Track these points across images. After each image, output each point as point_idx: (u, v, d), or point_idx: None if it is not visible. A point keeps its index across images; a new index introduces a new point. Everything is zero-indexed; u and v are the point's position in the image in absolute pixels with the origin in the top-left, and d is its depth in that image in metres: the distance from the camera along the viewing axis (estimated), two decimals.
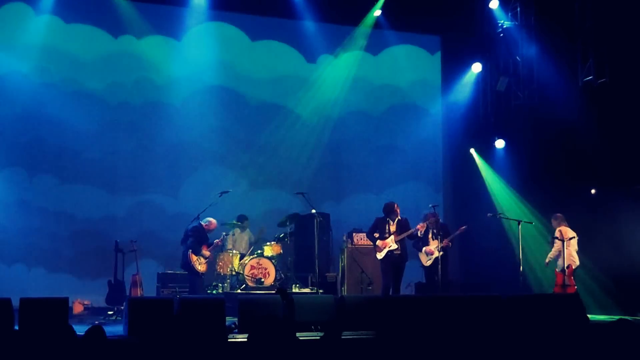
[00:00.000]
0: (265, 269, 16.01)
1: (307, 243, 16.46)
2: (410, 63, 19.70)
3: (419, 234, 14.84)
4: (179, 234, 15.21)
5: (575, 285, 15.06)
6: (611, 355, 9.88)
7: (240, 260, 16.18)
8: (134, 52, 17.58)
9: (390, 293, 14.20)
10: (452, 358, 9.38)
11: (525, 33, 18.15)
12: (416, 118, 19.61)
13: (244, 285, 15.85)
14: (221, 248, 16.23)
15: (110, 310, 14.79)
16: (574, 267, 15.17)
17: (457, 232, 15.88)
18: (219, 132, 18.01)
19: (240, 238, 16.82)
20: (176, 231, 15.41)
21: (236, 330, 11.44)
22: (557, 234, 15.44)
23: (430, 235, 15.39)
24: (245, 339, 7.83)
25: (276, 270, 16.06)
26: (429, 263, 15.39)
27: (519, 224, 15.33)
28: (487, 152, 18.89)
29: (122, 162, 17.25)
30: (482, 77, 19.15)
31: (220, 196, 15.79)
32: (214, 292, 15.74)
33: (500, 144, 18.62)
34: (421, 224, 14.93)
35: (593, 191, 16.82)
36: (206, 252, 15.10)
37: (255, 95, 18.58)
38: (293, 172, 18.44)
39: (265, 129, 18.53)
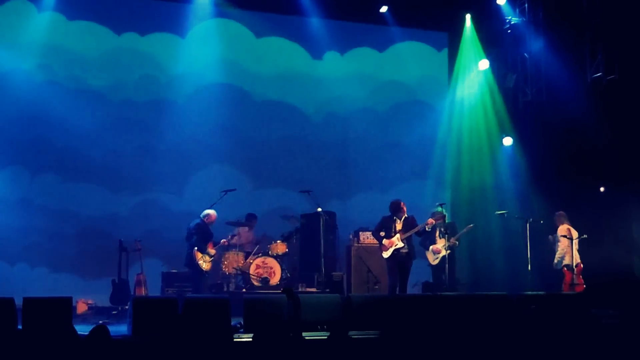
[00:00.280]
0: (271, 268, 16.00)
1: (313, 242, 16.46)
2: (416, 59, 19.67)
3: (427, 229, 14.79)
4: (183, 233, 15.20)
5: (584, 284, 15.05)
6: (620, 355, 9.88)
7: (245, 259, 16.18)
8: (138, 49, 17.60)
9: (397, 292, 14.19)
10: (460, 358, 9.37)
11: (533, 29, 18.11)
12: (423, 115, 19.57)
13: (249, 285, 15.85)
14: (226, 247, 16.22)
15: (115, 310, 14.80)
16: (567, 266, 15.18)
17: (465, 230, 15.87)
18: (223, 130, 18.00)
19: (246, 237, 16.81)
20: (181, 230, 15.40)
21: (241, 330, 11.43)
22: (564, 232, 15.42)
23: (437, 234, 15.39)
24: (251, 339, 7.85)
25: (282, 269, 16.05)
26: (436, 262, 15.39)
27: (526, 222, 15.32)
28: (495, 149, 18.86)
29: (126, 160, 17.24)
30: (490, 73, 19.11)
31: (224, 194, 15.79)
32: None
33: (507, 141, 18.60)
34: (430, 219, 14.87)
35: (602, 189, 16.80)
36: (212, 250, 15.09)
37: (260, 92, 18.57)
38: (298, 170, 18.41)
39: (270, 127, 18.54)
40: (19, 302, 10.82)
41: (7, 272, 15.97)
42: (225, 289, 15.88)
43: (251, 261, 16.00)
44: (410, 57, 19.60)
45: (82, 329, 8.24)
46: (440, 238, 15.31)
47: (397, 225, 14.41)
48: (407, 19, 18.86)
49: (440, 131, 19.73)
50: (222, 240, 15.51)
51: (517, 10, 18.24)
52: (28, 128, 16.62)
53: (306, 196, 16.46)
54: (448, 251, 15.06)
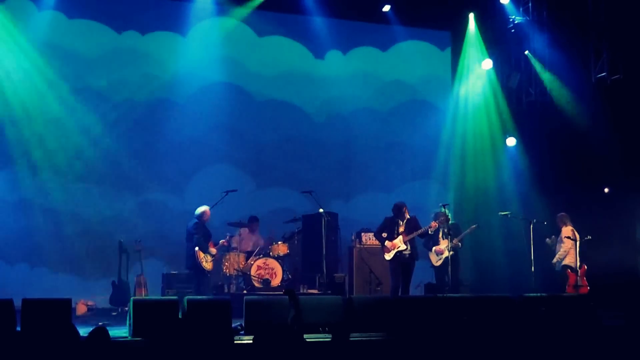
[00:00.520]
0: (272, 269, 16.00)
1: (314, 243, 16.46)
2: (420, 59, 19.65)
3: (430, 232, 14.78)
4: (184, 234, 15.17)
5: (588, 286, 15.04)
6: (624, 356, 9.87)
7: (246, 260, 16.17)
8: (139, 48, 17.58)
9: (400, 294, 14.18)
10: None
11: (537, 28, 18.09)
12: (426, 115, 19.55)
13: (250, 286, 15.84)
14: (227, 248, 16.22)
15: (114, 312, 14.80)
16: (571, 268, 15.18)
17: (468, 230, 15.84)
18: (225, 130, 17.99)
19: (248, 239, 16.79)
20: (181, 231, 15.36)
21: (242, 332, 11.42)
22: (569, 233, 15.40)
23: (440, 235, 15.35)
24: (251, 341, 7.83)
25: (283, 271, 16.05)
26: (439, 263, 15.36)
27: (530, 223, 15.30)
28: (499, 150, 18.85)
29: (126, 160, 17.22)
30: (493, 73, 19.11)
31: (226, 195, 15.79)
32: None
33: (511, 141, 18.59)
34: (434, 222, 14.86)
35: (606, 190, 16.78)
36: (213, 250, 15.07)
37: (261, 92, 18.56)
38: (300, 170, 18.41)
39: (272, 127, 18.53)
40: (18, 303, 10.81)
41: (6, 273, 15.94)
42: (226, 291, 15.87)
43: (252, 262, 16.00)
44: (413, 56, 19.59)
45: (82, 331, 8.21)
46: (443, 239, 15.27)
47: (399, 227, 14.40)
48: (410, 18, 18.84)
49: (444, 131, 19.71)
50: (221, 241, 15.47)
51: (521, 9, 18.23)
52: (28, 128, 16.59)
53: (308, 197, 16.46)
54: (451, 252, 15.03)
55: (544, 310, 12.33)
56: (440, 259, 15.32)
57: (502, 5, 18.21)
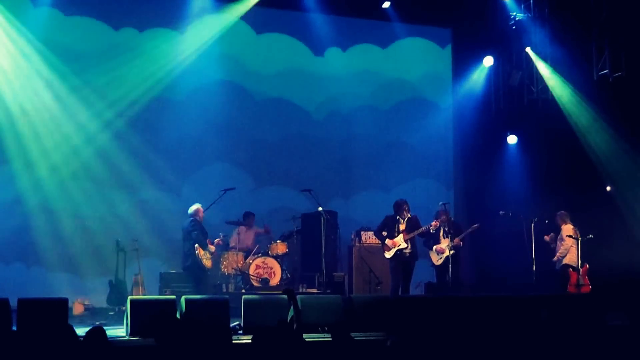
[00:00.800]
0: (271, 269, 16.00)
1: (313, 242, 16.44)
2: (420, 56, 19.65)
3: (431, 230, 14.77)
4: (181, 234, 15.15)
5: (590, 285, 15.02)
6: (626, 356, 9.85)
7: (245, 259, 16.16)
8: (136, 45, 17.52)
9: (400, 293, 14.17)
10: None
11: (539, 25, 18.07)
12: (426, 113, 19.55)
13: (249, 285, 15.83)
14: (225, 247, 16.21)
15: (112, 311, 14.78)
16: (573, 267, 15.18)
17: (469, 230, 15.82)
18: (223, 128, 17.97)
19: (245, 236, 16.79)
20: (179, 230, 15.35)
21: (241, 332, 11.41)
22: (570, 232, 15.38)
23: (441, 234, 15.33)
24: (250, 341, 7.82)
25: (282, 270, 16.05)
26: (439, 262, 15.34)
27: (531, 222, 15.29)
28: (499, 148, 18.84)
29: (124, 158, 17.18)
30: (494, 70, 19.12)
31: (224, 193, 15.78)
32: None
33: (512, 139, 18.59)
34: (435, 222, 14.84)
35: (608, 188, 16.76)
36: (212, 247, 15.06)
37: (260, 89, 18.54)
38: (299, 169, 18.40)
39: (270, 125, 18.51)
40: (14, 302, 10.79)
41: (2, 272, 15.91)
42: (224, 290, 15.85)
43: (251, 261, 16.00)
44: (413, 54, 19.59)
45: (79, 331, 8.20)
46: (444, 238, 15.25)
47: (400, 225, 14.39)
48: (410, 15, 18.83)
49: (444, 129, 19.71)
50: (215, 240, 15.42)
51: (522, 5, 18.19)
52: (24, 125, 16.56)
53: (307, 195, 16.44)
54: (452, 251, 15.01)
55: (546, 313, 12.32)
56: (441, 258, 15.30)
57: (503, 2, 18.18)
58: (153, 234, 16.85)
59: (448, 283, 15.04)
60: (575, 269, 15.15)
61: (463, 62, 19.57)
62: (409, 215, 14.48)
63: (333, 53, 19.10)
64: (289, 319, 10.65)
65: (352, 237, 17.03)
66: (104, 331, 7.85)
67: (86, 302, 15.54)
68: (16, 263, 16.23)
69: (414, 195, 17.15)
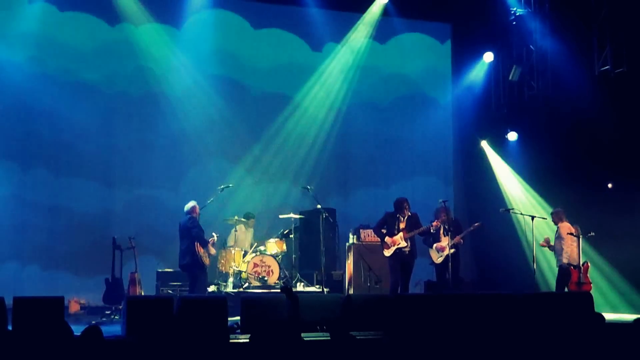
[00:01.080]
0: (269, 267, 16.00)
1: (312, 240, 16.48)
2: (419, 52, 19.66)
3: (431, 230, 14.76)
4: (178, 232, 15.13)
5: (591, 283, 15.03)
6: (627, 355, 9.86)
7: (243, 257, 16.16)
8: (132, 40, 17.52)
9: (399, 291, 14.17)
10: (463, 358, 9.36)
11: (539, 20, 18.05)
12: (426, 109, 19.56)
13: (247, 284, 15.83)
14: (223, 245, 16.20)
15: (108, 310, 14.77)
16: (571, 264, 15.18)
17: (471, 228, 15.80)
18: (220, 124, 17.97)
19: (244, 236, 16.78)
20: (176, 227, 15.33)
21: (238, 331, 11.41)
22: (569, 230, 15.38)
23: (441, 232, 15.31)
24: (248, 340, 7.82)
25: (280, 268, 16.06)
26: (440, 260, 15.32)
27: (532, 219, 15.29)
28: (500, 145, 18.85)
29: (120, 154, 17.22)
30: (494, 66, 19.13)
31: (221, 191, 15.79)
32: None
33: (512, 136, 18.59)
34: (436, 221, 14.82)
35: (610, 185, 16.76)
36: (212, 250, 15.01)
37: (258, 85, 18.55)
38: (297, 166, 18.41)
39: (268, 121, 18.50)
40: (9, 301, 10.79)
41: None
42: (222, 288, 15.84)
43: (249, 260, 15.99)
44: (412, 49, 19.60)
45: (75, 330, 8.19)
46: (444, 236, 15.23)
47: (400, 223, 14.37)
48: (410, 10, 18.83)
49: (444, 126, 19.70)
50: (210, 239, 15.35)
51: (522, 1, 18.19)
52: (19, 122, 16.59)
53: (305, 192, 16.45)
54: (452, 250, 15.01)
55: (537, 308, 12.31)
56: (441, 256, 15.29)
57: None
58: (150, 231, 16.88)
59: (448, 281, 15.04)
60: (577, 267, 15.15)
61: (463, 58, 19.56)
62: (409, 214, 14.47)
63: (331, 48, 19.09)
64: (286, 317, 10.67)
65: (351, 235, 16.97)
66: (100, 330, 7.84)
67: (82, 301, 15.56)
68: (11, 261, 16.23)
69: (413, 192, 17.18)
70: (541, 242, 15.66)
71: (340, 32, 18.98)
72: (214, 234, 15.42)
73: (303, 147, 18.66)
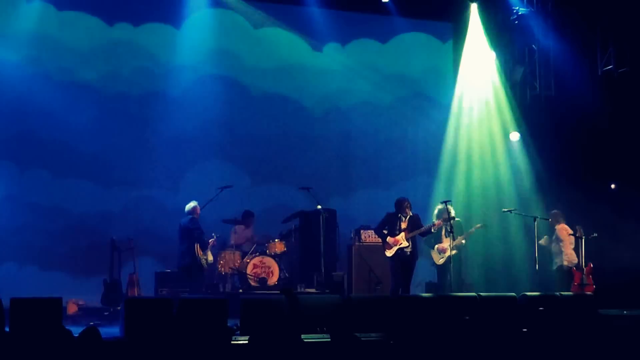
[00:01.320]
0: (269, 268, 16.01)
1: (312, 240, 16.44)
2: (420, 51, 19.63)
3: (433, 230, 14.75)
4: (177, 232, 15.13)
5: (594, 285, 15.03)
6: (631, 356, 9.87)
7: (242, 258, 16.15)
8: (131, 40, 17.54)
9: (400, 293, 14.16)
10: None
11: (542, 20, 18.04)
12: (427, 109, 19.52)
13: (246, 285, 15.83)
14: (222, 245, 16.20)
15: (106, 311, 14.77)
16: (571, 266, 15.19)
17: (473, 229, 15.79)
18: (220, 124, 17.95)
19: (244, 235, 16.78)
20: (175, 228, 15.34)
21: (238, 332, 11.41)
22: (568, 231, 15.38)
23: (443, 232, 15.32)
24: (247, 342, 7.83)
25: (280, 269, 16.05)
26: (441, 261, 15.33)
27: (534, 220, 15.29)
28: (502, 145, 18.83)
29: (119, 155, 17.19)
30: (496, 66, 19.07)
31: (221, 191, 15.78)
32: None
33: (515, 136, 18.56)
34: (438, 221, 14.83)
35: (613, 186, 16.77)
36: (210, 257, 15.02)
37: (258, 85, 18.53)
38: (298, 166, 18.38)
39: (268, 121, 18.49)
40: (6, 302, 10.78)
41: None
42: (221, 290, 15.84)
43: (248, 261, 16.00)
44: (414, 48, 19.57)
45: (73, 331, 8.20)
46: (446, 237, 15.24)
47: (402, 223, 14.36)
48: (411, 9, 18.79)
49: (445, 126, 19.65)
50: (210, 240, 15.34)
51: (525, 0, 18.18)
52: (17, 122, 16.57)
53: (306, 193, 16.43)
54: (454, 251, 15.00)
55: (542, 310, 12.34)
56: (443, 257, 15.30)
57: None
58: (149, 232, 16.87)
59: (449, 283, 15.04)
60: (579, 268, 15.15)
61: (465, 58, 19.51)
62: (411, 214, 14.45)
63: (332, 48, 19.09)
64: (287, 319, 10.68)
65: (352, 235, 16.99)
66: (98, 332, 7.85)
67: (80, 302, 15.50)
68: (8, 262, 16.21)
69: (415, 193, 17.14)
70: (541, 240, 15.67)
71: (341, 31, 18.96)
72: (213, 234, 15.44)
73: (303, 147, 18.65)
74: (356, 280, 16.47)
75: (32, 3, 16.69)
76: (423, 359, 9.04)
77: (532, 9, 18.06)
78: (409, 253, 14.28)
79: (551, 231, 15.91)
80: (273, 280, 15.92)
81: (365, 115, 19.15)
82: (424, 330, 11.19)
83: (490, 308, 12.28)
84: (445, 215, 15.04)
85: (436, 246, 15.42)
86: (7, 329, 10.47)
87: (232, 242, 16.51)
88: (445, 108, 19.65)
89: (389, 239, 14.34)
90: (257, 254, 16.17)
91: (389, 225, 14.44)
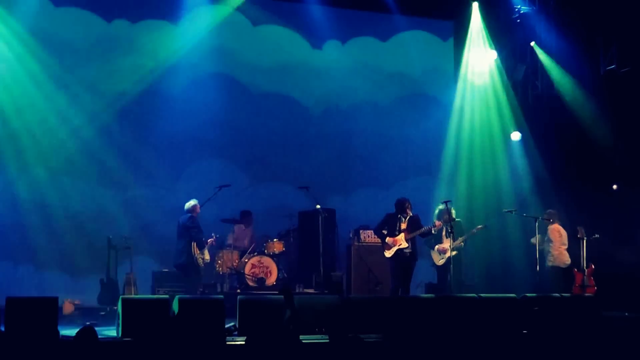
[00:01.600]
0: (267, 268, 16.01)
1: (311, 240, 16.45)
2: (421, 50, 19.60)
3: (433, 231, 14.75)
4: (175, 231, 15.12)
5: (595, 286, 15.04)
6: (633, 357, 9.87)
7: (240, 258, 16.16)
8: (129, 37, 17.51)
9: (400, 293, 14.17)
10: None
11: (543, 18, 18.06)
12: (428, 108, 19.51)
13: (244, 285, 15.83)
14: (220, 245, 16.20)
15: (103, 311, 14.77)
16: (562, 267, 15.21)
17: (475, 230, 15.79)
18: (218, 123, 17.92)
19: (242, 235, 16.78)
20: (172, 227, 15.33)
21: (236, 333, 11.41)
22: (562, 232, 15.42)
23: (443, 233, 15.32)
24: (244, 342, 7.83)
25: (278, 269, 16.06)
26: (441, 262, 15.34)
27: (536, 220, 15.29)
28: (503, 145, 18.83)
29: (116, 153, 17.15)
30: (498, 65, 19.07)
31: (219, 190, 15.76)
32: None
33: (516, 136, 18.57)
34: (438, 222, 14.83)
35: (615, 187, 16.77)
36: (207, 256, 15.00)
37: (257, 83, 18.52)
38: (296, 165, 18.37)
39: (267, 120, 18.47)
40: (1, 302, 10.79)
41: None
42: (219, 290, 15.83)
43: (246, 260, 16.00)
44: (414, 47, 19.54)
45: (69, 331, 8.20)
46: (446, 237, 15.24)
47: (402, 224, 14.36)
48: (412, 7, 18.79)
49: (446, 125, 19.64)
50: (209, 240, 15.33)
51: None
52: (12, 120, 16.54)
53: (304, 192, 16.42)
54: (454, 252, 15.00)
55: (537, 309, 12.36)
56: (442, 258, 15.30)
57: None
58: (145, 231, 16.86)
59: (449, 283, 15.05)
60: (581, 269, 15.17)
61: (466, 56, 19.50)
62: (411, 214, 14.45)
63: (332, 46, 19.08)
64: (285, 319, 10.67)
65: (351, 235, 16.99)
66: (94, 331, 7.85)
67: (76, 302, 15.51)
68: (4, 261, 16.18)
69: (415, 193, 17.07)
70: (532, 239, 15.67)
71: (341, 29, 18.96)
72: (213, 234, 15.43)
73: (303, 146, 18.64)
74: (355, 281, 16.49)
75: None
76: None
77: (534, 8, 18.08)
78: (408, 254, 14.29)
79: (546, 231, 15.92)
80: (271, 280, 15.92)
81: (365, 114, 19.14)
82: (424, 331, 11.20)
83: (490, 309, 12.28)
84: (445, 216, 15.05)
85: (436, 247, 15.42)
86: (2, 329, 10.48)
87: (231, 241, 16.52)
88: (446, 107, 19.65)
89: (388, 239, 14.34)
90: (256, 253, 16.17)
91: (388, 226, 14.44)
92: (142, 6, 17.62)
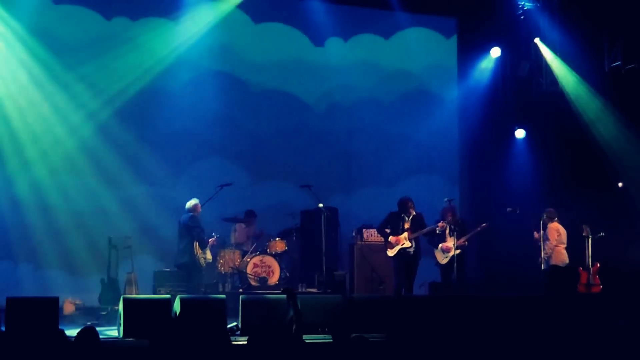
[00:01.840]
0: (269, 267, 16.00)
1: (313, 239, 16.45)
2: (424, 47, 19.58)
3: (437, 231, 14.74)
4: (176, 230, 15.13)
5: (600, 285, 15.03)
6: (637, 357, 9.87)
7: (242, 257, 16.16)
8: (128, 34, 17.47)
9: (403, 293, 14.17)
10: None
11: (548, 15, 18.05)
12: (431, 106, 19.50)
13: (247, 285, 15.83)
14: (222, 245, 16.20)
15: (104, 311, 14.78)
16: (562, 266, 15.21)
17: (478, 229, 15.78)
18: (219, 121, 17.93)
19: (244, 235, 16.78)
20: (173, 226, 15.34)
21: (238, 333, 11.42)
22: (561, 231, 15.41)
23: (447, 232, 15.31)
24: (246, 342, 7.83)
25: (281, 269, 16.05)
26: (445, 261, 15.32)
27: (540, 219, 15.28)
28: (507, 142, 18.83)
29: (116, 152, 17.15)
30: (502, 62, 19.08)
31: (220, 189, 15.76)
32: None
33: (520, 133, 18.58)
34: (442, 223, 14.82)
35: (620, 184, 16.76)
36: (209, 256, 15.00)
37: (258, 81, 18.52)
38: (299, 164, 18.36)
39: (268, 118, 18.49)
40: (2, 302, 10.81)
41: None
42: (221, 289, 15.84)
43: (248, 260, 16.00)
44: (417, 44, 19.51)
45: (70, 331, 8.21)
46: (450, 236, 15.23)
47: (405, 223, 14.37)
48: (414, 4, 18.75)
49: (449, 123, 19.66)
50: (210, 240, 15.31)
51: None
52: (11, 118, 16.54)
53: (307, 191, 16.40)
54: (458, 251, 15.00)
55: (544, 310, 12.35)
56: (446, 257, 15.29)
57: None
58: (146, 231, 16.86)
59: (453, 282, 15.05)
60: (586, 268, 15.16)
61: (469, 53, 19.52)
62: (414, 213, 14.46)
63: (334, 43, 19.05)
64: (287, 319, 10.67)
65: (354, 234, 17.01)
66: (96, 331, 7.85)
67: (77, 301, 15.52)
68: (4, 261, 16.21)
69: (418, 191, 17.10)
70: (536, 233, 15.65)
71: (343, 26, 18.94)
72: (214, 234, 15.43)
73: (304, 144, 18.63)
74: (358, 280, 16.51)
75: None
76: None
77: (538, 4, 18.08)
78: (411, 253, 14.31)
79: (545, 229, 15.92)
80: (273, 279, 15.92)
81: (368, 112, 19.13)
82: (428, 330, 11.20)
83: (494, 309, 12.29)
84: (449, 215, 15.06)
85: (440, 245, 15.41)
86: (2, 329, 10.49)
87: (232, 241, 16.52)
88: (449, 104, 19.67)
89: (391, 238, 14.35)
90: (258, 253, 16.17)
91: (391, 225, 14.46)
92: (142, 4, 17.61)
